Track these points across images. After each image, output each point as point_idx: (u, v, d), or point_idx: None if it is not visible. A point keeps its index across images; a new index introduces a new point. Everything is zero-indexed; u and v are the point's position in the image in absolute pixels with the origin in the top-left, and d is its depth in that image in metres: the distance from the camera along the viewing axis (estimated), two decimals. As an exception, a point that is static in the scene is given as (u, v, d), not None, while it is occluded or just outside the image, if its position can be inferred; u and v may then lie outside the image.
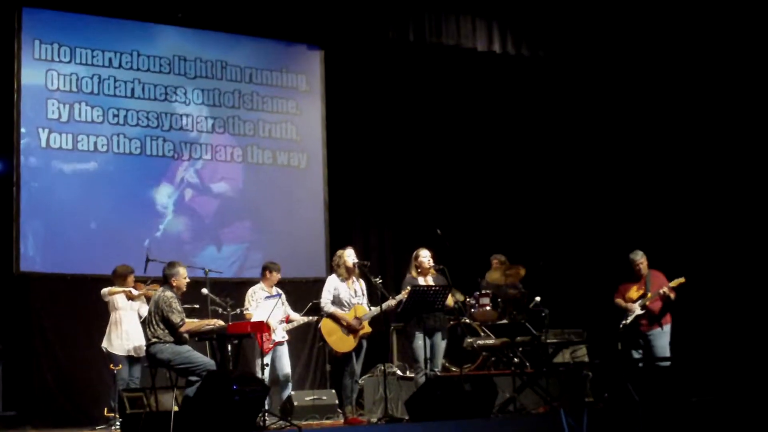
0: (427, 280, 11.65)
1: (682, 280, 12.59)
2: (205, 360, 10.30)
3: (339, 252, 11.85)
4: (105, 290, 12.09)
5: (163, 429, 9.75)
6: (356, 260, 11.66)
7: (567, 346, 13.44)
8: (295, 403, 12.18)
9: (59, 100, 13.78)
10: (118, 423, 11.24)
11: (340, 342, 11.43)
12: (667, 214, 15.66)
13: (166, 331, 10.23)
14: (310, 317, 12.65)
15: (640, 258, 12.89)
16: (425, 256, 11.71)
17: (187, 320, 10.38)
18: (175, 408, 10.09)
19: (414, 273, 11.71)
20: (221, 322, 10.61)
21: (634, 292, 12.84)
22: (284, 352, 12.57)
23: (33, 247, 13.34)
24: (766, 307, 14.24)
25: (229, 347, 10.64)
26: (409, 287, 11.35)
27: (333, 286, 11.59)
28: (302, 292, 13.56)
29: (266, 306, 11.35)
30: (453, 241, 12.96)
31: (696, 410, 10.53)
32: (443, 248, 12.12)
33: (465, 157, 16.83)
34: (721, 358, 13.36)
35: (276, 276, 12.64)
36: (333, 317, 11.43)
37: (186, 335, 10.33)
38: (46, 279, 13.35)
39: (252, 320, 11.28)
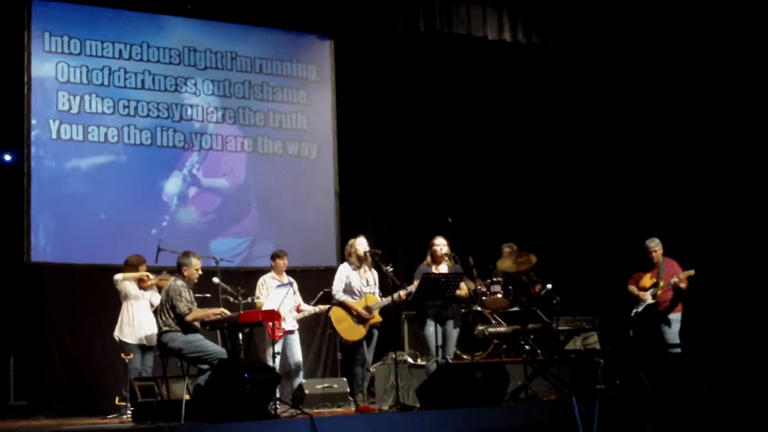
0: (439, 269, 11.61)
1: (691, 272, 12.56)
2: (216, 348, 10.31)
3: (351, 241, 11.84)
4: (119, 276, 12.08)
5: (175, 417, 9.79)
6: (368, 249, 11.64)
7: (578, 333, 13.45)
8: (306, 392, 12.20)
9: (69, 92, 13.82)
10: (129, 412, 11.25)
11: (349, 330, 11.41)
12: (681, 201, 15.63)
13: (177, 319, 10.24)
14: (320, 307, 12.66)
15: (654, 245, 12.87)
16: (438, 244, 11.64)
17: (195, 310, 10.38)
18: (187, 396, 10.10)
19: (429, 260, 11.69)
20: (227, 311, 10.61)
21: (647, 280, 12.82)
22: (295, 340, 12.62)
23: (44, 238, 13.39)
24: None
25: (240, 336, 10.66)
26: (420, 276, 11.34)
27: (345, 274, 11.57)
28: (313, 281, 13.57)
29: (277, 294, 11.35)
30: (464, 230, 12.94)
31: (707, 397, 10.52)
32: (454, 236, 12.09)
33: (476, 145, 16.84)
34: (733, 345, 13.35)
35: (281, 263, 12.67)
36: (343, 305, 11.43)
37: (197, 323, 10.34)
38: (56, 269, 13.40)
39: (263, 309, 11.27)
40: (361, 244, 11.67)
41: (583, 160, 16.87)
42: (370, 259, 11.71)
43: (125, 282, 12.06)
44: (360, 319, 11.37)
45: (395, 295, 11.35)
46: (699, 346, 12.65)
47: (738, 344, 13.37)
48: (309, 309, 12.78)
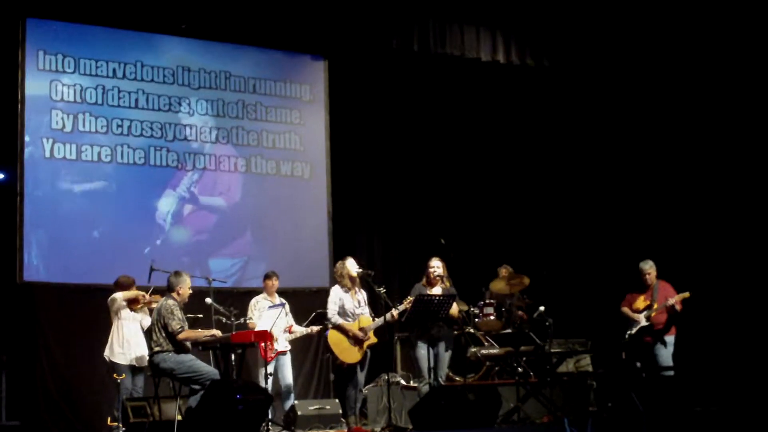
0: (434, 290, 11.59)
1: (686, 294, 12.55)
2: (208, 369, 10.31)
3: (340, 263, 11.81)
4: (118, 294, 11.98)
5: (167, 438, 9.79)
6: (359, 270, 11.63)
7: (571, 355, 13.43)
8: (299, 413, 12.17)
9: (63, 111, 13.79)
10: (121, 432, 11.25)
11: (346, 352, 11.40)
12: (673, 224, 15.64)
13: (168, 339, 10.23)
14: (312, 328, 12.65)
15: (648, 268, 12.86)
16: (433, 266, 11.65)
17: (187, 329, 10.37)
18: (179, 417, 10.11)
19: (424, 281, 11.69)
20: (219, 333, 10.62)
21: (640, 302, 12.81)
22: (286, 362, 12.62)
23: (37, 257, 13.34)
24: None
25: (233, 356, 10.66)
26: (411, 296, 11.33)
27: (338, 297, 11.54)
28: (306, 302, 13.55)
29: (270, 315, 11.35)
30: (457, 251, 12.95)
31: (700, 420, 10.49)
32: (447, 258, 12.08)
33: (469, 166, 16.84)
34: (725, 367, 13.33)
35: (271, 284, 12.71)
36: (340, 328, 11.41)
37: (188, 343, 10.33)
38: (49, 288, 13.34)
39: (256, 329, 11.25)
40: (351, 266, 11.66)
41: (577, 182, 16.88)
42: (360, 280, 11.71)
43: (122, 302, 11.99)
44: (356, 341, 11.36)
45: (387, 315, 11.33)
46: (692, 369, 12.66)
47: (731, 367, 13.36)
48: (301, 330, 12.76)
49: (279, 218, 15.14)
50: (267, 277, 12.81)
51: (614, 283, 13.95)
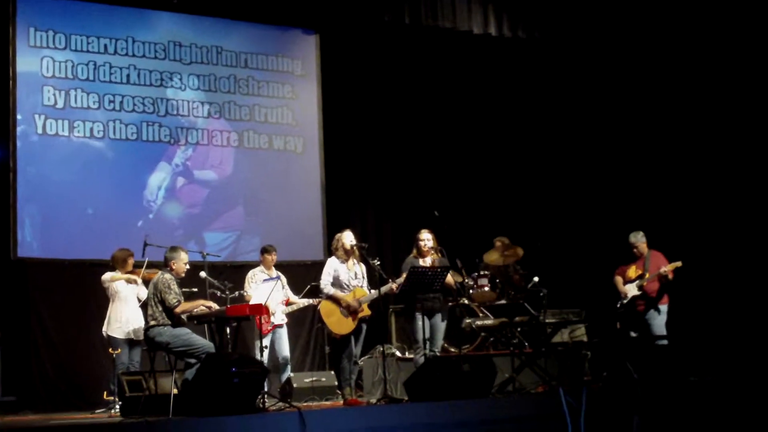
0: (426, 262, 11.61)
1: (679, 264, 12.55)
2: (204, 342, 10.32)
3: (337, 235, 11.86)
4: (106, 276, 12.05)
5: (163, 412, 9.77)
6: (354, 242, 11.65)
7: (565, 325, 13.46)
8: (295, 385, 12.20)
9: (55, 87, 13.79)
10: (117, 406, 11.25)
11: (338, 324, 11.44)
12: (667, 193, 15.64)
13: (165, 313, 10.25)
14: (311, 300, 12.69)
15: (638, 240, 12.85)
16: (424, 238, 11.65)
17: (183, 302, 10.40)
18: (175, 391, 10.12)
19: (415, 253, 11.70)
20: (214, 304, 10.64)
21: (632, 271, 12.82)
22: (283, 334, 12.67)
23: (30, 233, 13.36)
24: (765, 286, 14.23)
25: (228, 330, 10.68)
26: (404, 271, 11.34)
27: (333, 267, 11.59)
28: (300, 275, 13.57)
29: (264, 288, 11.34)
30: (451, 223, 12.95)
31: (694, 389, 10.53)
32: (441, 230, 12.10)
33: (462, 139, 16.84)
34: (720, 337, 13.37)
35: (270, 258, 12.74)
36: (332, 299, 11.45)
37: (184, 317, 10.35)
38: (43, 264, 13.37)
39: (250, 303, 11.27)
40: (347, 238, 11.70)
41: (569, 154, 16.88)
42: (357, 252, 11.73)
43: (112, 282, 12.03)
44: (349, 312, 11.39)
45: (386, 288, 11.36)
46: (686, 338, 12.69)
47: (725, 336, 13.39)
48: (298, 301, 12.80)
49: (272, 192, 15.16)
50: (265, 251, 12.83)
51: (608, 252, 13.96)
